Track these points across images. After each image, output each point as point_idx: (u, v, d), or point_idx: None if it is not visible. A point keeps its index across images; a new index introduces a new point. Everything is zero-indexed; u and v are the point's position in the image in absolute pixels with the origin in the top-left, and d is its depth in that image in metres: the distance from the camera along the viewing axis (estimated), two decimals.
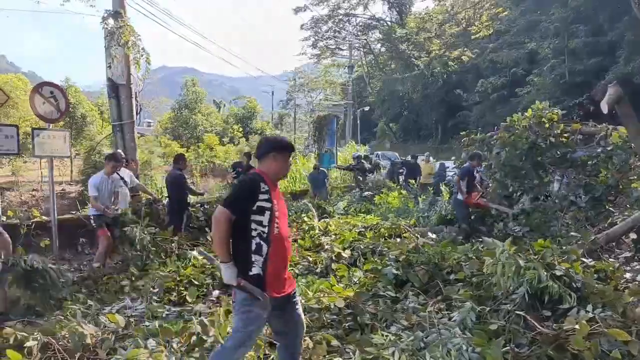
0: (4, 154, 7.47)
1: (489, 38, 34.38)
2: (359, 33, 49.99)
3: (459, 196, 7.83)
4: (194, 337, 3.70)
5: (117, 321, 3.82)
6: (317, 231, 7.51)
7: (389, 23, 51.15)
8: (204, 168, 23.45)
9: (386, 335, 3.52)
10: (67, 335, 3.80)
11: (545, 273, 3.68)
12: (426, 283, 4.74)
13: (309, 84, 50.97)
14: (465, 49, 39.00)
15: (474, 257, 4.85)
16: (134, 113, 8.23)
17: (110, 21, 7.90)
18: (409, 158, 17.46)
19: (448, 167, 17.22)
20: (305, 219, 8.10)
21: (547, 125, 7.99)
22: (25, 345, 3.45)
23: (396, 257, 5.07)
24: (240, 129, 30.72)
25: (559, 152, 7.91)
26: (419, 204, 9.87)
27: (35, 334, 3.72)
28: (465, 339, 3.58)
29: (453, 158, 25.37)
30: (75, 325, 3.80)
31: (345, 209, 10.14)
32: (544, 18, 23.94)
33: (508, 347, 3.39)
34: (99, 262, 6.63)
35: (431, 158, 15.65)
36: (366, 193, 10.68)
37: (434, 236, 7.34)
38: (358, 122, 39.77)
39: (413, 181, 13.06)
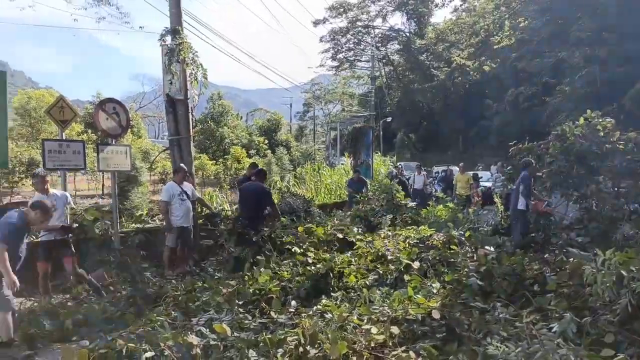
0: (72, 169, 7.63)
1: (511, 47, 34.31)
2: (377, 44, 50.21)
3: (520, 206, 7.80)
4: (300, 349, 3.75)
5: (225, 331, 3.89)
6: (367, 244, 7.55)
7: (408, 34, 51.40)
8: (233, 180, 23.66)
9: (499, 347, 3.54)
10: (172, 345, 3.88)
11: None
12: (510, 294, 4.76)
13: (326, 95, 51.26)
14: (484, 58, 39.02)
15: (558, 269, 4.86)
16: (191, 128, 8.39)
17: (168, 38, 8.10)
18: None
19: (482, 178, 17.20)
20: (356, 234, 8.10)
21: (601, 134, 7.98)
22: (144, 356, 3.53)
23: (476, 268, 5.10)
24: (266, 141, 30.99)
25: (614, 160, 7.88)
26: (470, 215, 9.87)
27: (144, 345, 3.81)
28: (572, 350, 3.59)
29: (480, 167, 25.29)
30: (182, 336, 3.89)
31: (392, 220, 10.15)
32: (574, 27, 23.85)
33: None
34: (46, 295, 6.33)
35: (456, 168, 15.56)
36: (411, 204, 10.68)
37: (491, 248, 7.35)
38: (381, 133, 39.84)
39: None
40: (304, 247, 7.10)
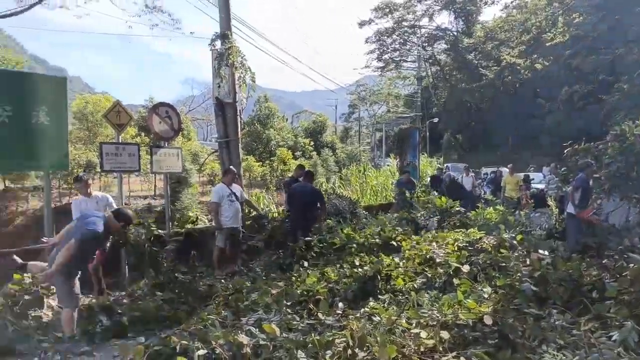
0: (128, 171, 7.90)
1: (565, 44, 33.07)
2: (424, 44, 49.59)
3: (570, 209, 7.51)
4: (349, 351, 3.75)
5: (274, 331, 3.94)
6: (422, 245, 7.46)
7: (455, 33, 50.48)
8: (279, 181, 23.93)
9: (556, 355, 3.42)
10: (223, 344, 3.96)
11: None
12: (567, 300, 4.59)
13: (372, 96, 51.04)
14: (536, 56, 37.83)
15: (618, 275, 4.65)
16: (239, 130, 8.54)
17: (218, 43, 8.28)
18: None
19: (533, 179, 16.65)
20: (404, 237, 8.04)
21: None
22: (197, 354, 3.63)
23: (530, 273, 4.94)
24: (311, 143, 31.20)
25: None
26: (521, 218, 9.57)
27: (197, 343, 3.91)
28: None
29: (532, 168, 24.59)
30: (232, 335, 3.96)
31: (439, 222, 10.00)
32: (632, 23, 22.74)
33: None
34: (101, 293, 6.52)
35: (505, 169, 15.08)
36: (458, 208, 10.47)
37: (545, 252, 7.10)
38: (427, 134, 39.30)
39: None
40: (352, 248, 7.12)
